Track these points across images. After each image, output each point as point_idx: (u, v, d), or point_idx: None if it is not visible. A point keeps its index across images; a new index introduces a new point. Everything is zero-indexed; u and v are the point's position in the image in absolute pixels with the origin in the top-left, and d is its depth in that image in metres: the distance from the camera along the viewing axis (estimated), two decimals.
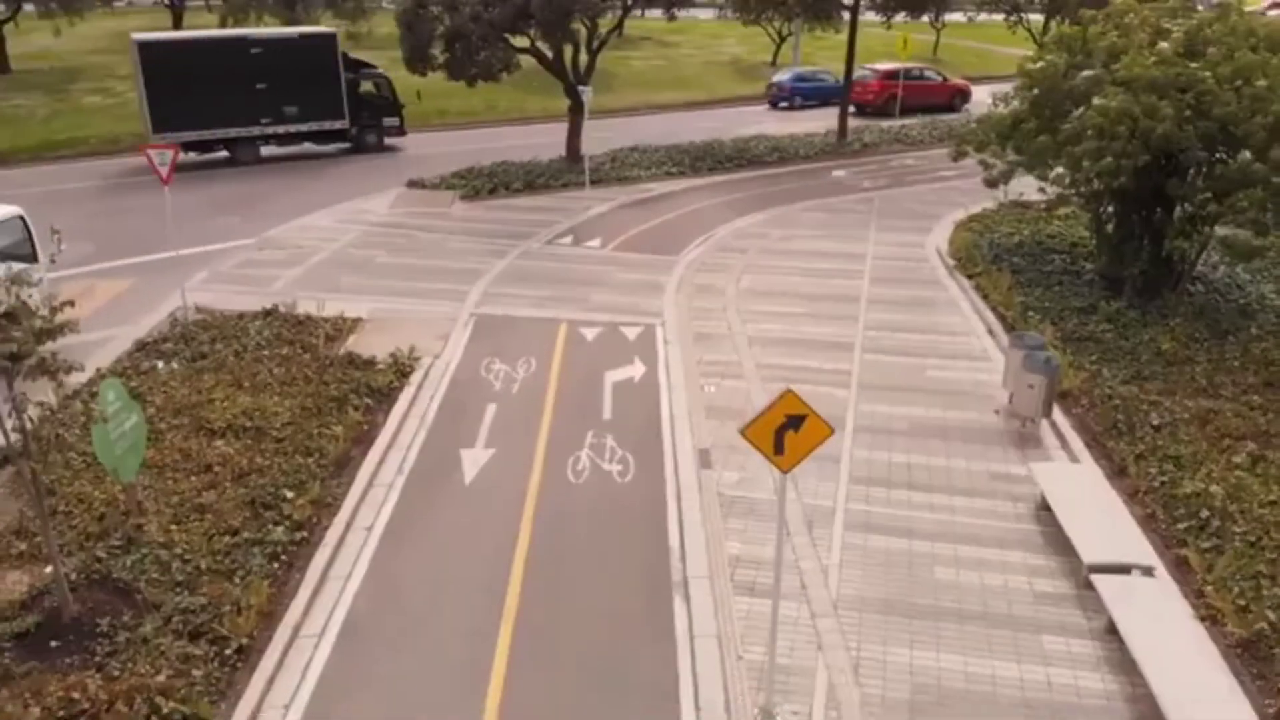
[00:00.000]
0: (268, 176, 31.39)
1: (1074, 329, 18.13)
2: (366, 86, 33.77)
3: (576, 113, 31.26)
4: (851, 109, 43.41)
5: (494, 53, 27.12)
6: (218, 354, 17.12)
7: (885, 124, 38.55)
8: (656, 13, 47.21)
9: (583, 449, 14.10)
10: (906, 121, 40.14)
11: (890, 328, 18.83)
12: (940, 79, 44.91)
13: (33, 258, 17.58)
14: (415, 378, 16.50)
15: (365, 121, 33.87)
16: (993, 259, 22.19)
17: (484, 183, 29.63)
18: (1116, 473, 13.59)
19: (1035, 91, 20.15)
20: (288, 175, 31.66)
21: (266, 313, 19.00)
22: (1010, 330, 18.25)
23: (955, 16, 55.47)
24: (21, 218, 17.81)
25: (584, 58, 30.29)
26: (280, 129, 32.33)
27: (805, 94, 45.21)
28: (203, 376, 16.25)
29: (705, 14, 70.57)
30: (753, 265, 22.74)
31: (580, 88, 26.22)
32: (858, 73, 44.31)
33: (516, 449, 14.16)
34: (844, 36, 40.30)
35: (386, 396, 15.75)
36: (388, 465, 13.73)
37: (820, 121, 39.36)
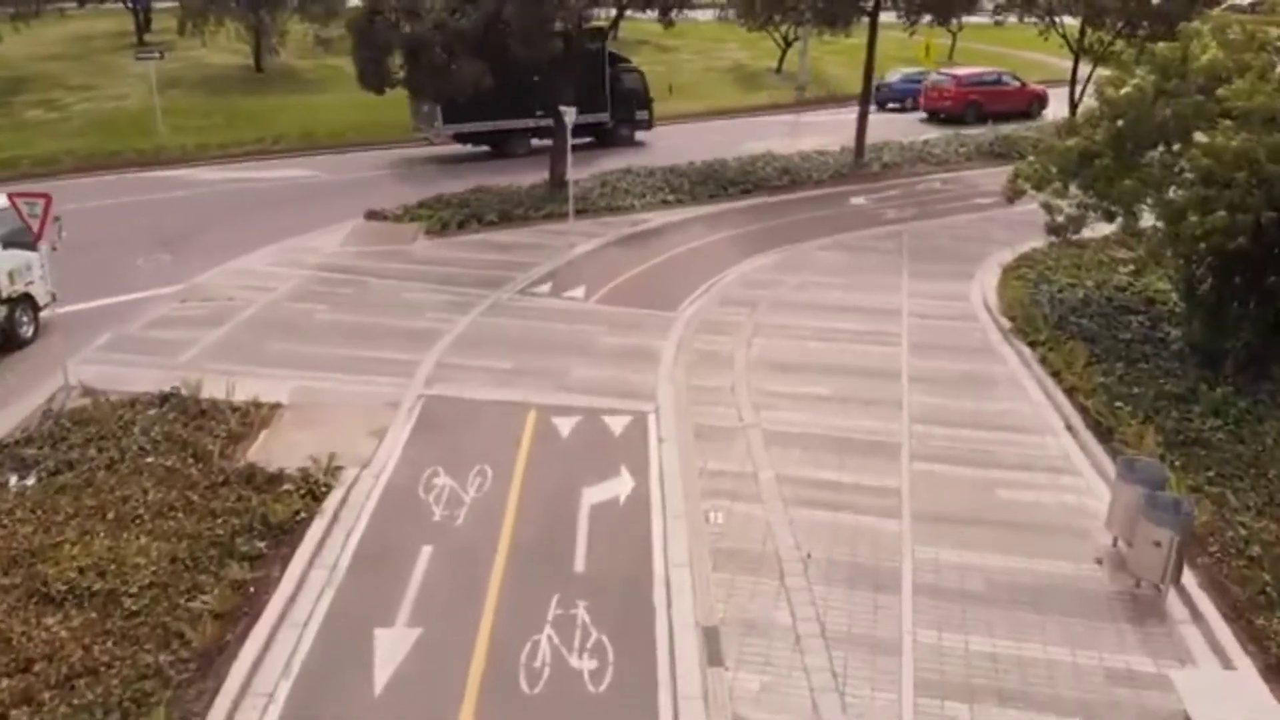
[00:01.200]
0: (223, 204, 27.64)
1: (1175, 427, 14.33)
2: (625, 81, 34.05)
3: (559, 133, 27.48)
4: (922, 115, 41.48)
5: (464, 66, 23.30)
6: (88, 464, 13.30)
7: (907, 140, 34.75)
8: (653, 13, 43.44)
9: (543, 630, 10.28)
10: (967, 131, 36.54)
11: (942, 419, 15.03)
12: (1017, 84, 41.84)
13: (34, 246, 16.58)
14: (331, 502, 12.66)
15: (621, 115, 34.42)
16: (1056, 321, 18.38)
17: (453, 214, 25.80)
18: (1275, 671, 9.82)
19: (1119, 122, 16.36)
20: (246, 203, 27.88)
21: (164, 399, 15.19)
22: (1097, 425, 14.50)
23: (973, 19, 51.63)
24: (18, 206, 16.40)
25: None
26: (546, 123, 30.61)
27: (916, 95, 43.07)
28: (60, 500, 12.48)
29: (705, 15, 66.74)
30: (765, 325, 18.95)
31: (562, 108, 22.56)
32: (933, 78, 42.44)
33: (451, 628, 10.34)
34: (854, 41, 36.53)
35: (289, 534, 11.93)
36: (271, 660, 9.89)
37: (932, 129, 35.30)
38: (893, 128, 37.92)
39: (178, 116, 37.25)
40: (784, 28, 43.70)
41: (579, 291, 20.89)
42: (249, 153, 34.50)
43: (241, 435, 14.31)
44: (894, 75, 44.40)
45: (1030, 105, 41.39)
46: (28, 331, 17.79)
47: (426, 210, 26.20)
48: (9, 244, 17.16)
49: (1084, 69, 33.33)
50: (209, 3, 44.11)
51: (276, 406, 15.25)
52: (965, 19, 50.05)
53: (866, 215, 26.99)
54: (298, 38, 47.38)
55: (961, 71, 42.27)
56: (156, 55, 37.77)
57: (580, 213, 26.35)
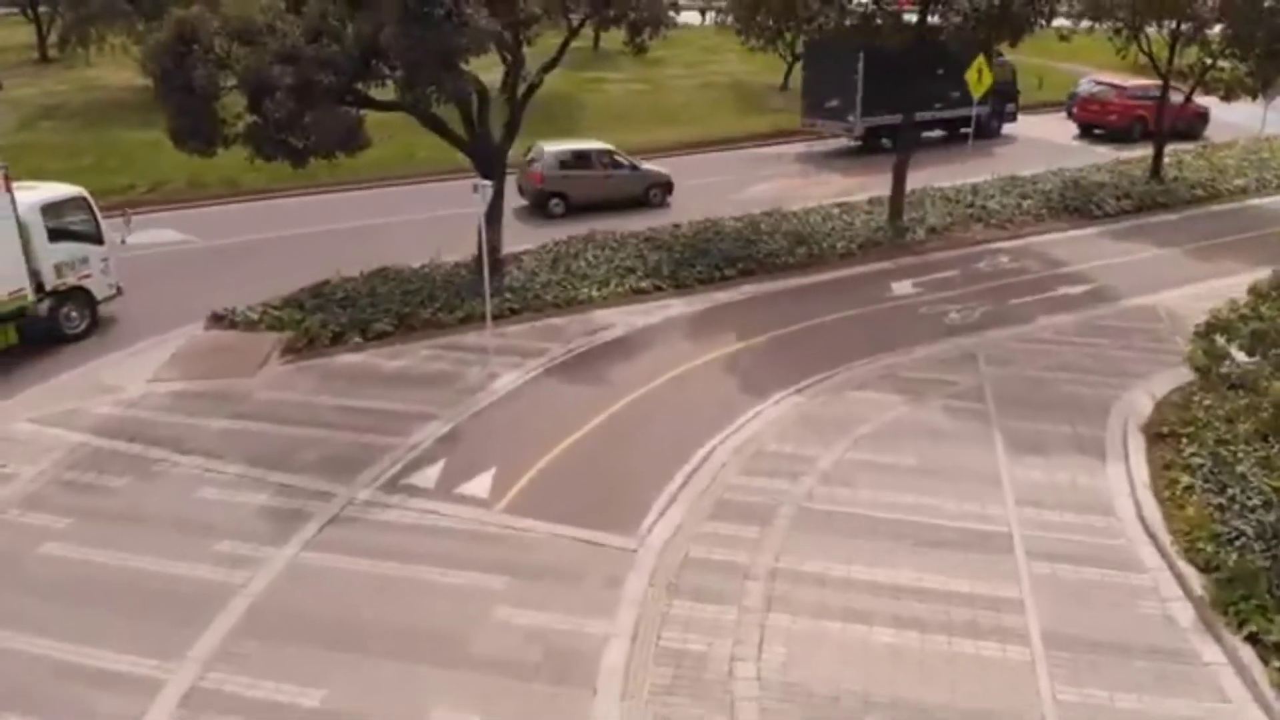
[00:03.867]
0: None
1: None
2: (998, 74, 30.97)
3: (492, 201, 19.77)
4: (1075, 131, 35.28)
5: (328, 114, 15.51)
6: None
7: (953, 186, 26.95)
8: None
9: None
10: (1025, 170, 28.87)
11: None
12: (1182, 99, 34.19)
13: (97, 240, 17.71)
14: None
15: (995, 107, 33.41)
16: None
17: (329, 318, 17.98)
18: None
19: None
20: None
21: None
22: None
23: None
24: (85, 198, 17.67)
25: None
26: (944, 114, 32.27)
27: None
28: None
29: (697, 18, 58.90)
30: (787, 572, 11.15)
31: (481, 182, 14.83)
32: (1090, 88, 36.44)
33: None
34: None
35: None
36: None
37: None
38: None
39: (39, 155, 29.23)
40: (789, 36, 35.63)
41: (482, 483, 13.06)
42: (108, 207, 26.61)
43: None
44: (1086, 85, 37.42)
45: (1193, 123, 34.84)
46: (78, 326, 17.53)
47: (293, 312, 18.40)
48: (58, 236, 17.04)
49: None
50: (94, 13, 36.09)
51: None
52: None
53: (919, 317, 19.15)
54: None
55: (1127, 82, 35.46)
56: None
57: (514, 312, 18.66)
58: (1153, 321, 18.84)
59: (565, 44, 19.94)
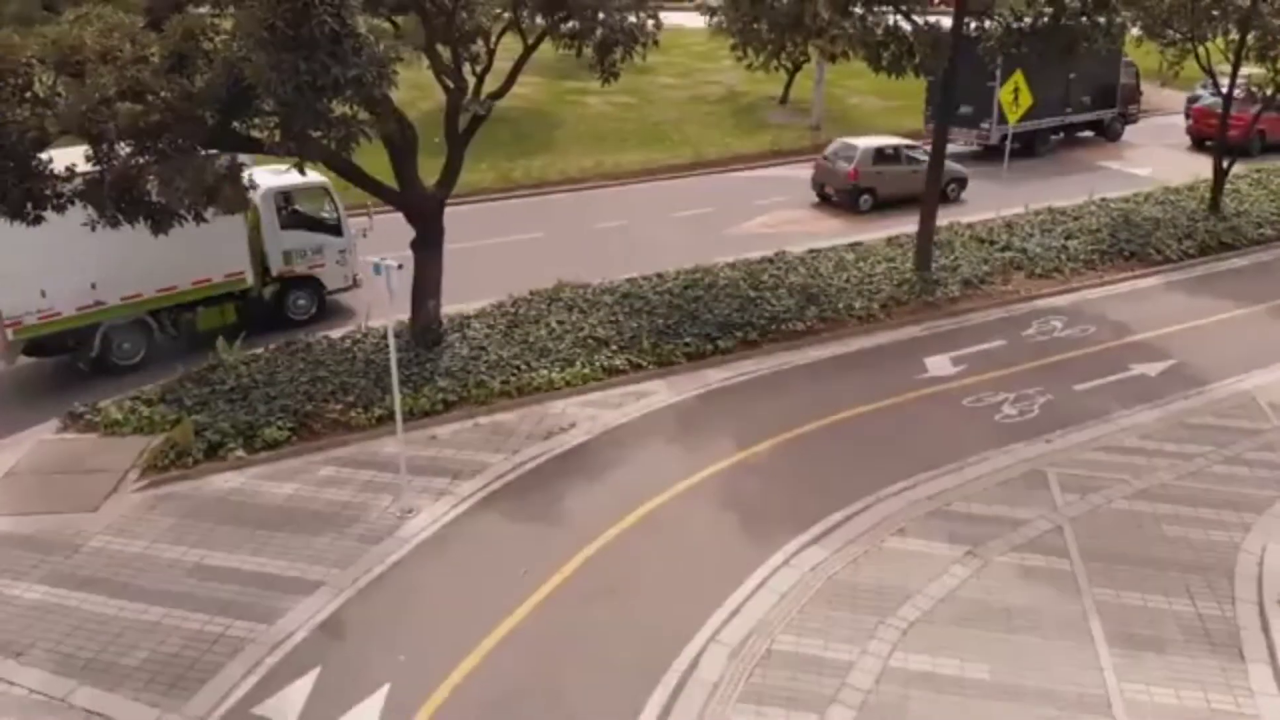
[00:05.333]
0: None
1: None
2: (1124, 76, 33.14)
3: (425, 257, 15.81)
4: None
5: (188, 161, 11.48)
6: None
7: (987, 220, 22.97)
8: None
9: None
10: (1064, 201, 24.90)
11: None
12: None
13: (336, 231, 17.78)
14: None
15: (1120, 110, 33.64)
16: None
17: (211, 420, 13.89)
18: None
19: None
20: None
21: None
22: None
23: None
24: (326, 188, 17.53)
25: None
26: (1075, 119, 32.42)
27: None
28: None
29: (692, 20, 54.79)
30: None
31: (385, 262, 10.79)
32: (1206, 99, 31.64)
33: None
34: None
35: None
36: None
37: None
38: None
39: None
40: (796, 48, 31.40)
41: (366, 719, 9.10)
42: None
43: None
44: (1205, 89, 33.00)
45: None
46: (305, 314, 17.75)
47: (166, 411, 14.37)
48: (291, 224, 17.35)
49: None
50: None
51: None
52: None
53: (964, 412, 15.15)
54: None
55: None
56: None
57: (450, 406, 14.69)
58: (1256, 420, 14.90)
59: (519, 64, 15.94)
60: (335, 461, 13.45)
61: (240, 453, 13.50)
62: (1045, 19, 18.35)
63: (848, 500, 12.53)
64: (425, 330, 16.17)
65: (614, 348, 16.67)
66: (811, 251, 21.66)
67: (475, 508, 12.43)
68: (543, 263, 20.37)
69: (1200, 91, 33.23)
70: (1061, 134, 32.61)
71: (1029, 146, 30.91)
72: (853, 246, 22.11)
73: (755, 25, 18.42)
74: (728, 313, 18.02)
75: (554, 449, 13.83)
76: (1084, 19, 18.54)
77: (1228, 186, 25.65)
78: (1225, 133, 24.64)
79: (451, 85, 15.56)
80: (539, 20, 15.57)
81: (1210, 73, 24.69)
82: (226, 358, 15.66)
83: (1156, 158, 31.56)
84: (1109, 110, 33.33)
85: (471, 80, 15.80)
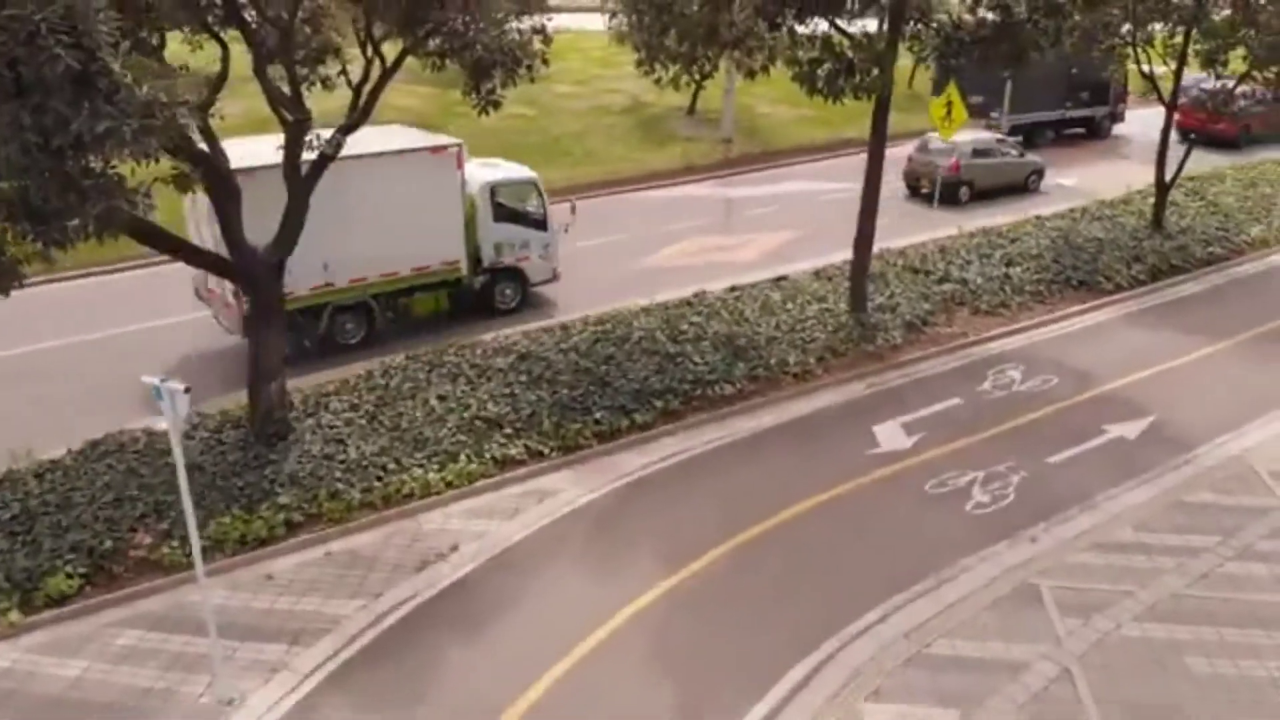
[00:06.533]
0: None
1: None
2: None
3: (263, 331, 12.66)
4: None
5: None
6: None
7: (937, 236, 20.68)
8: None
9: None
10: (994, 220, 22.56)
11: None
12: None
13: (543, 226, 18.23)
14: None
15: (1111, 109, 33.80)
16: None
17: None
18: None
19: None
20: None
21: None
22: None
23: None
24: (536, 183, 18.29)
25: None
26: (1072, 114, 32.91)
27: None
28: None
29: (591, 21, 51.74)
30: None
31: (169, 387, 7.77)
32: (1198, 92, 27.84)
33: None
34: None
35: None
36: None
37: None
38: None
39: None
40: (709, 62, 28.60)
41: None
42: None
43: None
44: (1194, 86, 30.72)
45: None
46: (510, 304, 18.22)
47: None
48: (503, 217, 17.76)
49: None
50: None
51: None
52: None
53: (928, 501, 12.69)
54: None
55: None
56: None
57: (294, 528, 11.61)
58: (1259, 494, 12.84)
59: (375, 90, 12.85)
60: (139, 622, 10.26)
61: (14, 615, 10.21)
62: (989, 27, 16.08)
63: (808, 645, 9.92)
64: (266, 422, 13.01)
65: (508, 431, 13.76)
66: (734, 290, 19.11)
67: (321, 689, 9.40)
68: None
69: (1193, 87, 31.64)
70: (1052, 132, 32.74)
71: (1029, 139, 31.14)
72: (778, 283, 19.60)
73: (663, 38, 15.66)
74: (645, 375, 15.29)
75: (428, 588, 10.88)
76: (1031, 24, 16.32)
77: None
78: (1166, 139, 22.96)
79: (293, 120, 12.43)
80: (398, 39, 12.52)
81: (1150, 79, 23.05)
82: (16, 467, 12.28)
83: (1084, 164, 30.05)
84: (1102, 108, 33.50)
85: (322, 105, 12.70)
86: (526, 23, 12.28)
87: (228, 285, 14.69)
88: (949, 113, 20.77)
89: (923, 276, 20.00)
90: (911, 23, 16.24)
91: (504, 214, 17.90)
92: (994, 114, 30.52)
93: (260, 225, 12.36)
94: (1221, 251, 22.33)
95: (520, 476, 13.00)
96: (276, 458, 12.78)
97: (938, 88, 27.37)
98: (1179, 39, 21.86)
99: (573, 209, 18.90)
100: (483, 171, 17.87)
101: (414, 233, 16.39)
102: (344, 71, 13.79)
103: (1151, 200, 24.72)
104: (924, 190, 26.29)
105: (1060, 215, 24.11)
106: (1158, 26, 21.83)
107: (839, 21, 14.65)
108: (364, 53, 13.23)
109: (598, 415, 14.23)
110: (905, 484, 13.04)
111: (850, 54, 14.03)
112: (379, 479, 12.55)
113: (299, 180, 12.59)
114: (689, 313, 17.90)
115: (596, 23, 40.88)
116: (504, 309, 18.16)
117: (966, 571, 11.19)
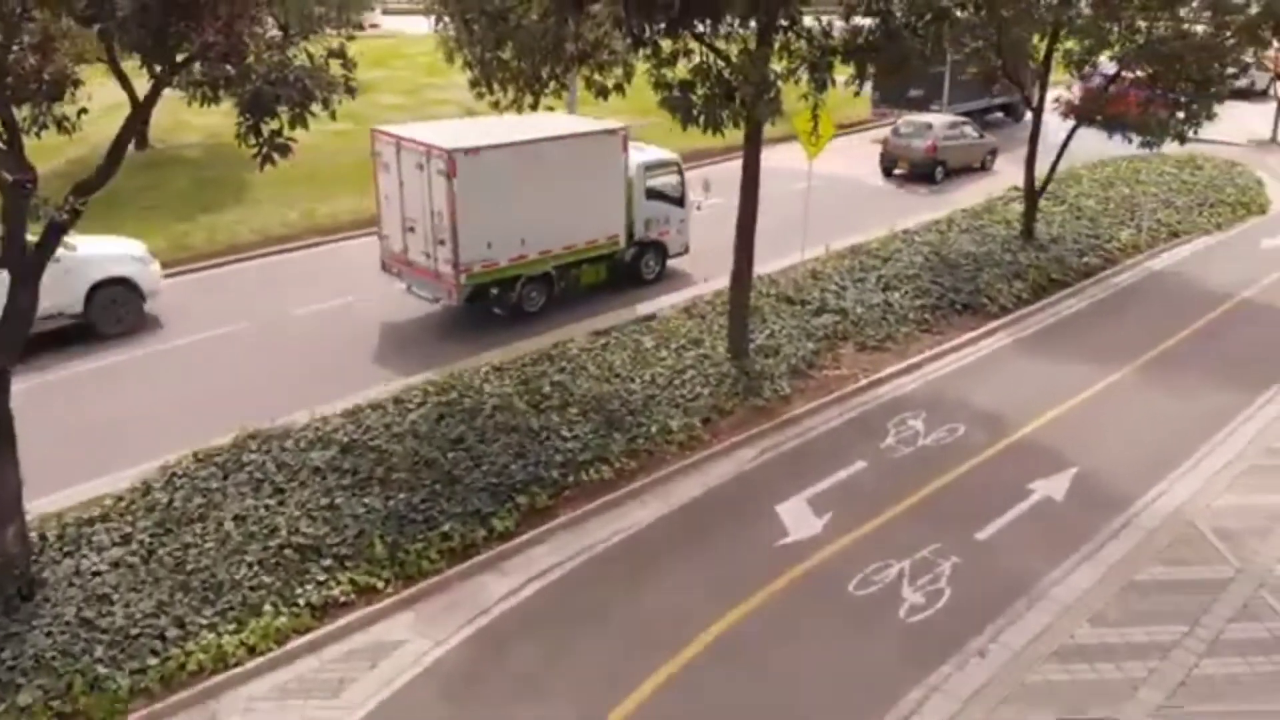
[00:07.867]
0: None
1: None
2: None
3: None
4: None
5: None
6: None
7: (807, 257, 18.76)
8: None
9: None
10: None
11: None
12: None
13: (679, 203, 19.89)
14: None
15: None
16: None
17: None
18: None
19: None
20: None
21: None
22: None
23: None
24: (678, 163, 20.05)
25: None
26: (997, 100, 33.69)
27: None
28: None
29: (415, 25, 48.16)
30: None
31: None
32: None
33: None
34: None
35: None
36: None
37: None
38: None
39: None
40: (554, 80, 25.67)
41: None
42: None
43: None
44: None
45: None
46: (651, 273, 19.72)
47: None
48: (652, 195, 19.37)
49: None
50: None
51: None
52: None
53: (854, 611, 10.51)
54: None
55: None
56: None
57: None
58: (1212, 563, 11.37)
59: (123, 135, 9.69)
60: None
61: None
62: (872, 34, 14.19)
63: None
64: (4, 579, 9.68)
65: (328, 561, 10.83)
66: (598, 335, 16.66)
67: None
68: (226, 387, 14.13)
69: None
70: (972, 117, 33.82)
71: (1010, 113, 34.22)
72: (646, 323, 17.28)
73: (499, 52, 12.99)
74: (504, 463, 12.63)
75: None
76: (911, 31, 14.53)
77: (1020, 205, 23.04)
78: (1035, 144, 21.94)
79: (9, 178, 9.13)
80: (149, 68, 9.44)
81: (1019, 82, 21.98)
82: None
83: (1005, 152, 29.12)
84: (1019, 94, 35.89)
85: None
86: (318, 45, 9.38)
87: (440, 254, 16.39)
88: (815, 129, 18.88)
89: (799, 308, 18.06)
90: (781, 32, 14.16)
91: (653, 192, 19.43)
92: (934, 105, 32.65)
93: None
94: (1097, 261, 21.45)
95: (346, 628, 10.11)
96: (19, 628, 9.49)
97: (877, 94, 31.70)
98: (1044, 41, 20.88)
99: (706, 186, 20.60)
100: (636, 154, 19.19)
101: (589, 208, 18.07)
102: (84, 110, 10.51)
103: (1014, 206, 23.86)
104: (898, 172, 28.04)
105: (927, 228, 22.78)
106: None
107: (716, 40, 12.31)
108: (119, 81, 10.06)
109: (446, 527, 11.46)
110: (825, 585, 10.90)
111: (729, 77, 11.72)
112: (155, 652, 9.42)
113: (19, 258, 9.29)
114: (550, 370, 15.31)
115: (424, 26, 37.53)
116: (648, 279, 19.60)
117: (917, 716, 9.09)
